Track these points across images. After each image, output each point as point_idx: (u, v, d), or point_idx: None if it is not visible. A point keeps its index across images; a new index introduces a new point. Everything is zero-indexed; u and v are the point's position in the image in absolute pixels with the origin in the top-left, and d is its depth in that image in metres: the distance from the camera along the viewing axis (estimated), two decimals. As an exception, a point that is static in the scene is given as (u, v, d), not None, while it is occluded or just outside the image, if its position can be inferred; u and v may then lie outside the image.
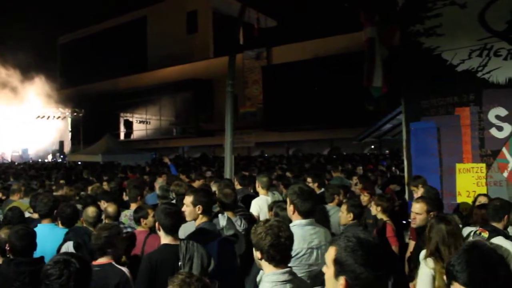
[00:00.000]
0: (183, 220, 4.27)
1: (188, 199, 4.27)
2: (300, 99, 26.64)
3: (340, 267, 1.94)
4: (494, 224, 4.40)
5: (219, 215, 4.48)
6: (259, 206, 6.08)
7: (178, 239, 3.86)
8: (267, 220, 2.98)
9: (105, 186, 8.85)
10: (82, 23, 45.02)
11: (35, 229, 4.32)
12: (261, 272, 3.29)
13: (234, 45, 9.99)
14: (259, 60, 31.23)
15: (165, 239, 3.84)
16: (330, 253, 2.01)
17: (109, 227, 4.06)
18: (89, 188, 8.41)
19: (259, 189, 6.46)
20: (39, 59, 35.84)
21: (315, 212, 3.88)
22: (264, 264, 2.87)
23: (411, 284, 4.22)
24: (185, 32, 38.24)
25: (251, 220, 5.50)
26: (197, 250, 3.64)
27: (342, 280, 1.91)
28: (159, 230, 3.87)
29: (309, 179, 7.52)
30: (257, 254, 2.88)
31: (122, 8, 42.04)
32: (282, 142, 30.08)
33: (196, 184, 8.58)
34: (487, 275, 2.04)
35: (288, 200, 3.77)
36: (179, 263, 3.60)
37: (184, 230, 4.50)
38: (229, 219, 4.41)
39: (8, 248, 3.85)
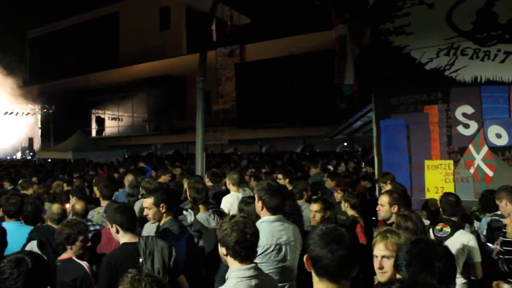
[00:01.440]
0: (137, 217, 4.25)
1: (149, 201, 4.22)
2: (273, 96, 26.65)
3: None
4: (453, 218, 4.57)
5: (185, 211, 4.46)
6: (230, 203, 6.07)
7: (137, 236, 3.83)
8: (232, 216, 2.98)
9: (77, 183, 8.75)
10: (52, 17, 44.16)
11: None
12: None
13: (206, 42, 9.95)
14: (232, 57, 31.14)
15: (123, 237, 3.80)
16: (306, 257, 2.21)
17: (72, 223, 4.02)
18: (53, 185, 8.32)
19: (230, 186, 6.47)
20: (7, 53, 35.01)
21: (283, 208, 3.89)
22: (229, 260, 2.88)
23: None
24: (158, 28, 37.91)
25: (222, 217, 5.50)
26: (157, 244, 3.61)
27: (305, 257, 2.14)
28: (118, 232, 3.82)
29: (280, 175, 7.54)
30: (222, 250, 2.89)
31: (94, 2, 41.41)
32: (256, 139, 30.10)
33: (162, 179, 8.57)
34: (424, 267, 2.30)
35: (256, 196, 3.78)
36: (140, 259, 3.57)
37: (147, 231, 4.50)
38: (195, 215, 4.40)
39: None
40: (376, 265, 2.97)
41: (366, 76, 8.65)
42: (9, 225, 4.75)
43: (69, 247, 3.87)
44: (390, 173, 6.84)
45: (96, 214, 5.67)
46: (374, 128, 8.41)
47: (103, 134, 38.87)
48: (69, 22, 44.44)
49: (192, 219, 4.30)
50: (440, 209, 4.90)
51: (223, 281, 2.92)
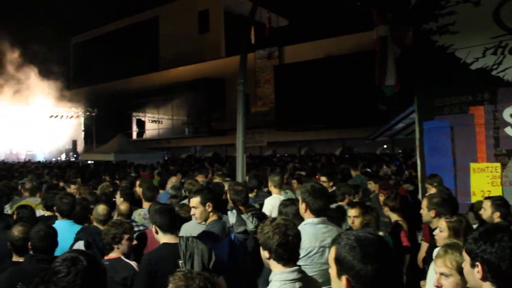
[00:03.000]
0: (178, 218, 4.25)
1: (195, 200, 4.25)
2: (312, 98, 26.54)
3: (340, 266, 1.93)
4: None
5: (228, 212, 4.45)
6: (272, 205, 6.03)
7: (177, 237, 3.85)
8: (273, 219, 2.95)
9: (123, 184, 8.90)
10: (94, 23, 45.34)
11: (54, 225, 4.36)
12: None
13: (246, 44, 9.97)
14: (271, 60, 31.14)
15: (163, 238, 3.83)
16: (331, 253, 2.00)
17: (118, 223, 4.07)
18: (99, 187, 8.47)
19: (272, 188, 6.43)
20: (52, 59, 36.17)
21: (327, 210, 3.84)
22: (272, 263, 2.85)
23: (421, 283, 4.17)
24: (197, 32, 38.29)
25: (263, 219, 5.47)
26: (197, 246, 3.62)
27: (344, 279, 1.90)
28: (157, 233, 3.86)
29: (323, 178, 7.46)
30: (264, 254, 2.87)
31: (135, 8, 42.25)
32: (294, 142, 30.00)
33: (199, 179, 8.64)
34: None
35: (300, 198, 3.75)
36: (180, 261, 3.59)
37: (186, 230, 4.50)
38: (238, 215, 4.38)
39: (30, 247, 3.89)
40: (434, 282, 2.85)
41: (408, 77, 8.48)
42: (62, 224, 4.88)
43: (115, 246, 3.92)
44: (437, 176, 6.65)
45: (137, 216, 5.74)
46: (417, 130, 8.22)
47: (144, 136, 39.54)
48: (110, 28, 45.51)
49: (234, 220, 4.29)
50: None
51: (267, 284, 2.90)
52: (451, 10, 7.57)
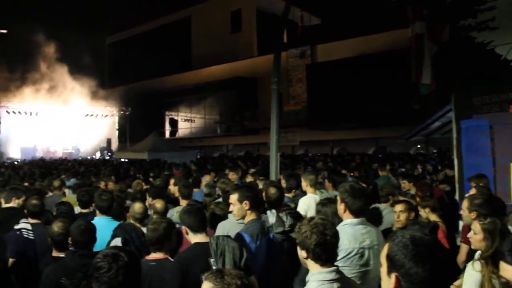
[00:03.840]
0: (214, 216, 4.21)
1: (233, 197, 4.23)
2: (344, 97, 26.34)
3: (391, 263, 1.89)
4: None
5: (268, 211, 4.41)
6: (307, 205, 5.96)
7: (208, 236, 3.83)
8: (311, 218, 2.92)
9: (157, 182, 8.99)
10: (129, 23, 46.08)
11: (93, 221, 4.42)
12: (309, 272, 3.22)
13: (279, 43, 9.92)
14: (303, 58, 31.01)
15: (194, 238, 3.83)
16: (384, 250, 1.96)
17: (165, 221, 4.08)
18: (132, 184, 8.57)
19: (307, 187, 6.34)
20: (88, 59, 36.92)
21: (366, 211, 3.77)
22: (310, 263, 2.83)
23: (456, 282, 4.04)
24: (229, 31, 38.48)
25: (298, 219, 5.40)
26: (228, 244, 3.60)
27: (393, 277, 1.87)
28: (187, 233, 3.85)
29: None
30: (302, 253, 2.84)
31: (167, 8, 42.77)
32: (327, 141, 29.78)
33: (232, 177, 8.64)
34: None
35: (338, 198, 3.69)
36: (211, 260, 3.58)
37: (222, 228, 4.49)
38: (278, 215, 4.34)
39: (70, 242, 3.95)
40: None
41: (445, 75, 8.28)
42: (100, 220, 4.96)
43: (161, 246, 3.91)
44: (485, 176, 6.40)
45: (175, 213, 5.76)
46: (454, 129, 8.02)
47: (176, 135, 39.97)
48: (144, 28, 46.18)
49: (274, 220, 4.25)
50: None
51: (303, 284, 2.87)
52: (491, 5, 7.35)
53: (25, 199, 5.76)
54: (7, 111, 32.86)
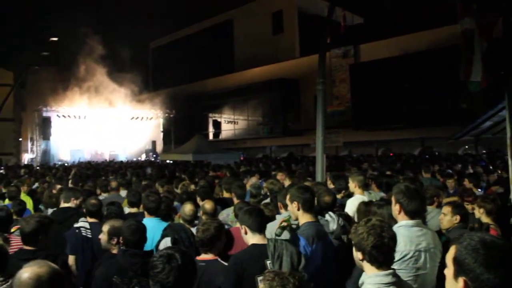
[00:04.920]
0: (267, 218, 4.21)
1: (287, 196, 4.21)
2: (389, 97, 25.91)
3: (459, 267, 1.81)
4: None
5: (329, 216, 4.37)
6: (355, 206, 5.87)
7: (265, 238, 3.81)
8: (368, 220, 2.86)
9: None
10: (171, 28, 46.88)
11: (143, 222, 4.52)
12: (363, 274, 3.18)
13: (323, 43, 9.88)
14: (346, 58, 30.72)
15: (252, 239, 3.80)
16: (450, 252, 1.88)
17: (216, 222, 4.11)
18: (179, 185, 8.68)
19: (355, 188, 6.25)
20: (133, 64, 37.77)
21: (423, 212, 3.67)
22: (365, 265, 2.78)
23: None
24: (271, 33, 38.56)
25: (348, 220, 5.36)
26: (286, 248, 3.57)
27: (461, 281, 1.79)
28: (246, 233, 3.83)
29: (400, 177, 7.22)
30: (358, 255, 2.79)
31: (209, 11, 43.25)
32: (371, 142, 29.34)
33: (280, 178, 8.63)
34: None
35: (393, 199, 3.58)
36: (268, 262, 3.56)
37: (271, 229, 4.43)
38: (342, 225, 4.28)
39: (121, 241, 4.05)
40: None
41: (497, 72, 8.02)
42: (149, 221, 5.06)
43: (209, 247, 3.94)
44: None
45: (231, 213, 5.80)
46: (508, 128, 7.74)
47: (220, 137, 40.30)
48: (186, 32, 46.91)
49: (335, 226, 4.19)
50: None
51: (356, 287, 2.83)
52: (546, -1, 7.09)
53: (82, 199, 5.96)
54: (57, 115, 34.07)
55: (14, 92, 29.90)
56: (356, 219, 4.94)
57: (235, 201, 6.23)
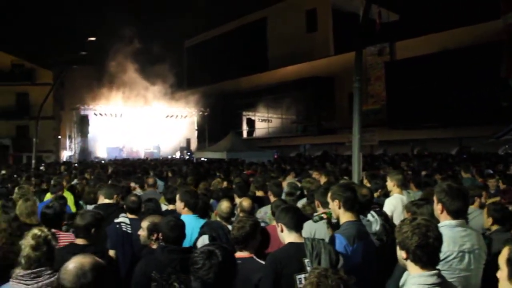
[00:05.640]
0: (304, 217, 4.18)
1: (329, 194, 4.16)
2: (426, 95, 25.48)
3: None
4: None
5: (371, 216, 4.30)
6: (393, 205, 5.79)
7: (302, 236, 3.78)
8: (413, 219, 2.80)
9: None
10: (205, 26, 47.21)
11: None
12: (405, 274, 3.12)
13: (360, 40, 9.76)
14: (381, 56, 30.35)
15: (289, 237, 3.77)
16: (503, 254, 1.83)
17: (252, 219, 4.09)
18: (212, 183, 8.73)
19: (394, 187, 6.15)
20: (168, 63, 38.21)
21: (466, 212, 3.56)
22: (409, 264, 2.73)
23: None
24: (305, 31, 38.43)
25: (386, 220, 5.27)
26: (324, 246, 3.54)
27: None
28: (282, 231, 3.81)
29: (438, 176, 7.06)
30: (401, 254, 2.74)
31: (243, 10, 43.36)
32: (407, 141, 28.86)
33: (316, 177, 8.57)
34: None
35: (435, 198, 3.50)
36: (306, 260, 3.54)
37: (309, 228, 4.43)
38: (383, 224, 4.22)
39: (160, 237, 4.10)
40: None
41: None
42: (187, 218, 5.10)
43: (245, 245, 3.91)
44: None
45: (269, 211, 5.79)
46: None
47: (253, 135, 40.39)
48: (220, 30, 47.21)
49: (378, 228, 4.12)
50: None
51: (397, 287, 2.78)
52: None
53: (121, 196, 6.06)
54: (94, 114, 34.80)
55: (53, 91, 30.58)
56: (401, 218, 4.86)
57: (272, 199, 6.21)
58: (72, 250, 3.85)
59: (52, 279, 3.14)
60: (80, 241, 4.16)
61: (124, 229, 5.18)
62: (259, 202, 6.60)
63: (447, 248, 3.20)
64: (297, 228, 3.81)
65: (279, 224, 3.84)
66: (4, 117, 38.25)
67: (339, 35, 34.85)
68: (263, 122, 39.81)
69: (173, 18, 42.78)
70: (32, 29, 41.46)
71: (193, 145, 39.47)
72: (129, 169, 16.05)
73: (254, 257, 3.89)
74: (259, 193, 7.15)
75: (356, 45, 9.61)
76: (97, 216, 4.25)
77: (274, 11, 41.51)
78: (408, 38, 29.15)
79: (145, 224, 4.50)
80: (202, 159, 25.43)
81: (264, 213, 5.72)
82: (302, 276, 3.51)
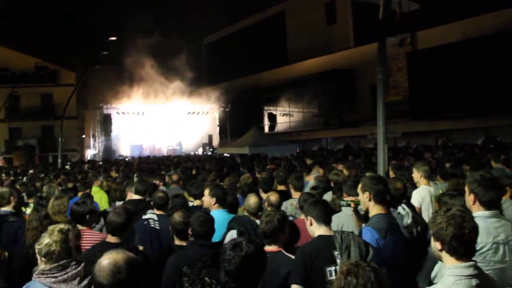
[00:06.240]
0: (332, 210, 4.16)
1: (359, 186, 4.14)
2: (449, 85, 25.03)
3: None
4: None
5: (402, 209, 4.26)
6: (421, 197, 5.72)
7: (331, 229, 3.79)
8: (448, 209, 2.74)
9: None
10: (224, 22, 47.29)
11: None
12: (436, 266, 3.08)
13: (381, 30, 9.62)
14: (403, 46, 29.90)
15: (318, 230, 3.79)
16: None
17: (279, 213, 4.10)
18: (241, 178, 8.75)
19: (420, 179, 6.07)
20: (188, 60, 38.40)
21: (499, 202, 3.49)
22: (444, 256, 2.68)
23: None
24: (324, 23, 38.11)
25: (414, 211, 5.22)
26: (354, 239, 3.53)
27: None
28: (311, 224, 3.82)
29: (466, 167, 6.95)
30: (436, 245, 2.69)
31: (261, 4, 43.29)
32: (430, 132, 28.44)
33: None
34: None
35: (467, 189, 3.44)
36: (336, 252, 3.55)
37: (338, 221, 4.40)
38: (413, 217, 4.18)
39: (190, 232, 4.12)
40: None
41: None
42: (217, 213, 5.13)
43: (275, 238, 3.92)
44: None
45: (289, 206, 5.80)
46: None
47: (275, 129, 40.34)
48: (239, 26, 47.19)
49: (409, 221, 4.07)
50: None
51: (428, 281, 2.74)
52: None
53: (148, 192, 6.12)
54: (117, 112, 35.23)
55: (76, 91, 31.10)
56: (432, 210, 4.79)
57: (293, 193, 6.22)
58: (106, 248, 3.87)
59: (79, 268, 3.25)
60: (112, 239, 4.20)
61: (152, 225, 5.24)
62: (285, 197, 6.61)
63: (481, 240, 3.12)
64: (326, 221, 3.84)
65: (308, 217, 3.87)
66: (30, 117, 39.05)
67: (359, 27, 34.48)
68: (284, 116, 39.70)
69: (192, 16, 42.91)
70: (55, 31, 42.12)
71: (215, 141, 39.64)
72: (153, 166, 16.19)
73: (283, 251, 3.92)
74: (281, 188, 7.17)
75: (378, 36, 9.50)
76: (130, 213, 4.31)
77: (293, 4, 41.27)
78: (429, 27, 28.61)
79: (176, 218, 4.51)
80: (225, 154, 25.51)
81: (285, 208, 5.72)
82: (333, 268, 3.55)
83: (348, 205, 4.18)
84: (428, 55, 26.87)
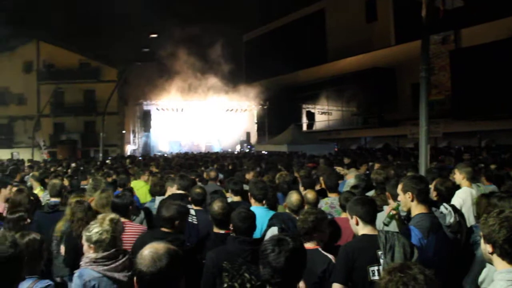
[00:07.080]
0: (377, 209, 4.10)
1: (399, 186, 4.08)
2: (494, 84, 24.31)
3: None
4: None
5: (444, 208, 4.17)
6: (462, 199, 5.54)
7: (375, 229, 3.74)
8: (501, 211, 2.63)
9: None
10: (264, 20, 47.36)
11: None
12: (484, 270, 2.99)
13: (425, 27, 9.39)
14: (445, 44, 29.21)
15: (363, 229, 3.74)
16: None
17: (316, 211, 4.08)
18: (277, 176, 8.72)
19: (463, 180, 5.89)
20: (227, 57, 38.62)
21: None
22: (495, 259, 2.57)
23: None
24: (365, 21, 37.69)
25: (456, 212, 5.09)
26: (398, 239, 3.47)
27: None
28: (357, 224, 3.76)
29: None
30: (487, 247, 2.59)
31: (301, 1, 43.12)
32: (473, 132, 27.70)
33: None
34: None
35: None
36: (379, 252, 3.49)
37: (379, 219, 4.31)
38: (456, 217, 4.07)
39: (231, 228, 4.14)
40: None
41: None
42: (257, 209, 5.13)
43: (309, 237, 3.93)
44: None
45: (324, 205, 5.76)
46: None
47: (313, 128, 40.13)
48: (278, 23, 47.18)
49: (452, 220, 3.98)
50: None
51: (475, 285, 2.64)
52: None
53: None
54: (156, 109, 35.78)
55: (117, 87, 31.76)
56: (473, 213, 4.65)
57: (329, 192, 6.18)
58: (156, 235, 4.06)
59: (125, 259, 3.39)
60: (166, 229, 4.29)
61: (190, 220, 5.27)
62: (321, 195, 6.57)
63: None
64: (372, 221, 3.79)
65: (353, 216, 3.80)
66: (74, 113, 40.10)
67: (400, 24, 33.90)
68: (323, 114, 39.45)
69: (231, 13, 43.17)
70: (97, 28, 43.14)
71: (253, 138, 39.73)
72: (191, 162, 16.36)
73: (320, 249, 3.90)
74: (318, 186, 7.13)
75: (422, 34, 9.29)
76: (180, 209, 4.36)
77: (333, 1, 40.98)
78: (473, 25, 27.85)
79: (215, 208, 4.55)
80: (263, 152, 25.52)
81: (320, 206, 5.68)
82: (376, 268, 3.50)
83: (392, 217, 4.10)
84: (472, 53, 26.17)
